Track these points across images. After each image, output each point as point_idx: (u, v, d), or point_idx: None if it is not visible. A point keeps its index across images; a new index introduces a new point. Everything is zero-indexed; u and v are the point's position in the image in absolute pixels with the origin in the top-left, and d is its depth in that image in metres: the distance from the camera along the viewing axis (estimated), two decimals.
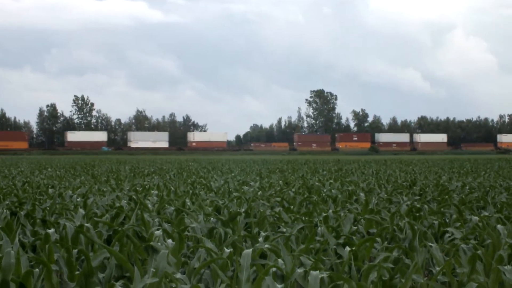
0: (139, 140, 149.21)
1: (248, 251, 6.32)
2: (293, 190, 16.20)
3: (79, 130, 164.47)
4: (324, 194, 14.76)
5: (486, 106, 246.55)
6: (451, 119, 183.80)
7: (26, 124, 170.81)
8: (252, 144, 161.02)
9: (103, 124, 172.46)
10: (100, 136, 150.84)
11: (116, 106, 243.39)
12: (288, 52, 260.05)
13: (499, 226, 8.45)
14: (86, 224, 8.02)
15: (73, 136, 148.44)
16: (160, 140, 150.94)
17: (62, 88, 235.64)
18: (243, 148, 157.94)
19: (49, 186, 18.68)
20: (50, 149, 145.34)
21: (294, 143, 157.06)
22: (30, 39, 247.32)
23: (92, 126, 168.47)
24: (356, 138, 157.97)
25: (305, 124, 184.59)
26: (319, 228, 8.64)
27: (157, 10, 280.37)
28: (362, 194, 14.31)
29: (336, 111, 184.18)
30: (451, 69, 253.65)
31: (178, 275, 6.35)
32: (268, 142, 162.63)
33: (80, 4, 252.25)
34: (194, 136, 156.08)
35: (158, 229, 8.31)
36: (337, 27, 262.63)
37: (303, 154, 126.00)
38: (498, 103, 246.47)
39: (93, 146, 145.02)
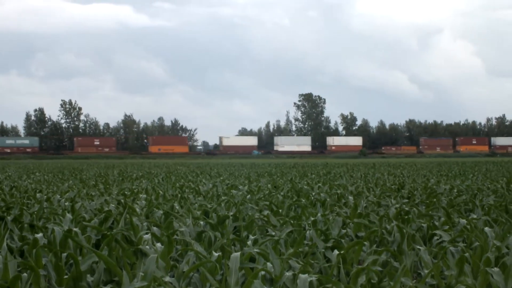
0: (285, 144, 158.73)
1: (236, 255, 6.32)
2: (282, 193, 16.21)
3: (67, 134, 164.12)
4: (312, 198, 14.78)
5: (474, 109, 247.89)
6: (439, 122, 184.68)
7: (14, 129, 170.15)
8: (383, 148, 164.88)
9: (92, 128, 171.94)
10: (251, 141, 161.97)
11: (104, 110, 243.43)
12: (275, 56, 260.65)
13: (486, 229, 8.49)
14: (74, 229, 8.00)
15: (228, 141, 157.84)
16: (304, 144, 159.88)
17: (49, 92, 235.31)
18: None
19: (37, 191, 18.60)
20: (210, 154, 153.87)
21: (420, 147, 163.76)
22: (15, 43, 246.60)
23: (80, 130, 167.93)
24: (475, 142, 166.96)
25: (294, 128, 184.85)
26: (308, 232, 8.65)
27: (142, 14, 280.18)
28: (350, 198, 14.34)
29: (325, 114, 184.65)
30: (438, 73, 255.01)
31: (167, 279, 6.34)
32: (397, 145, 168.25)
33: (65, 8, 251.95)
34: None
35: (147, 233, 8.30)
36: (323, 30, 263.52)
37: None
38: (485, 106, 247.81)
39: (245, 150, 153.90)
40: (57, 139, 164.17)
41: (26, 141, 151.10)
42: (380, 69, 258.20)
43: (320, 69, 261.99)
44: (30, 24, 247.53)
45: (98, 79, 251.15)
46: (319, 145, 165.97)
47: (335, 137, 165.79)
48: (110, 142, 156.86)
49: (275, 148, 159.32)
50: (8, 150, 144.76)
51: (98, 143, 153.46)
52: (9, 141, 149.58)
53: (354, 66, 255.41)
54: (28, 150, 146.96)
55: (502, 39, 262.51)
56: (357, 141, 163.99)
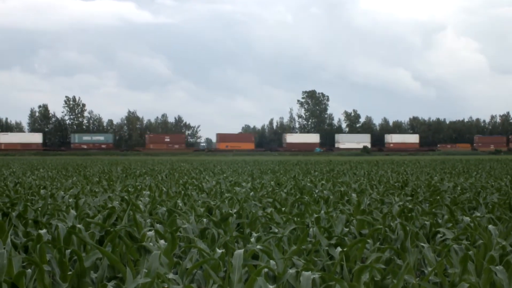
0: (346, 141, 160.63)
1: (240, 252, 6.32)
2: (285, 191, 16.21)
3: (71, 131, 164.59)
4: (316, 195, 14.78)
5: (477, 107, 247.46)
6: (442, 119, 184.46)
7: (18, 125, 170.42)
8: (438, 146, 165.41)
9: (95, 125, 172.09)
10: (314, 138, 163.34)
11: (107, 107, 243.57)
12: (277, 53, 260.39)
13: (490, 227, 8.48)
14: (78, 225, 8.02)
15: (291, 138, 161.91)
16: (364, 141, 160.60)
17: (52, 89, 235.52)
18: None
19: (41, 187, 18.63)
20: (269, 150, 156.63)
21: (474, 144, 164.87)
22: (17, 40, 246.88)
23: (84, 127, 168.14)
24: None
25: (297, 125, 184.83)
26: (311, 229, 8.65)
27: (145, 10, 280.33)
28: (354, 195, 14.34)
29: (328, 111, 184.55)
30: (442, 70, 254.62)
31: (171, 276, 6.35)
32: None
33: (67, 5, 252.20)
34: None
35: (150, 230, 8.31)
36: (326, 27, 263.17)
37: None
38: (489, 103, 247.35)
39: (308, 147, 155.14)
40: (61, 135, 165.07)
41: (101, 138, 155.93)
42: (383, 66, 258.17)
43: (322, 66, 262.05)
44: (33, 21, 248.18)
45: (101, 76, 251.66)
46: (328, 143, 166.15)
47: (393, 135, 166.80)
48: (180, 139, 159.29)
49: (336, 145, 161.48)
50: (85, 146, 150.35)
51: (168, 139, 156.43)
52: (86, 138, 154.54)
53: (356, 63, 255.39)
54: (103, 146, 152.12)
55: (506, 36, 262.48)
56: (414, 138, 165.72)
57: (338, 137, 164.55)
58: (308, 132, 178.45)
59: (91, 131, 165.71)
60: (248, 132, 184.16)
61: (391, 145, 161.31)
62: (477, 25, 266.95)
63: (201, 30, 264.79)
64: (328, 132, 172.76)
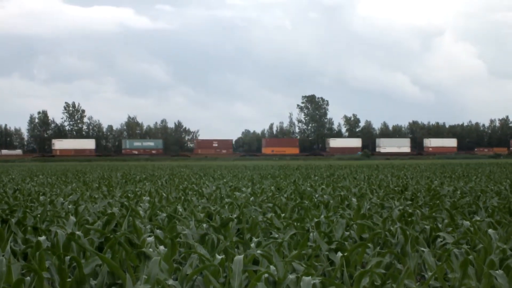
0: (387, 146, 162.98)
1: (240, 257, 6.31)
2: (285, 195, 16.20)
3: (71, 137, 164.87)
4: (316, 200, 14.77)
5: (476, 111, 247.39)
6: (442, 123, 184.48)
7: (17, 131, 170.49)
8: (476, 149, 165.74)
9: (95, 131, 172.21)
10: (356, 142, 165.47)
11: (106, 113, 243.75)
12: (276, 58, 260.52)
13: (490, 231, 8.47)
14: (78, 232, 8.00)
15: (334, 143, 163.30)
16: (404, 145, 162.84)
17: (51, 95, 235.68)
18: None
19: (40, 193, 18.61)
20: (313, 154, 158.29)
21: (511, 148, 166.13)
22: (16, 46, 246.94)
23: (84, 133, 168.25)
24: None
25: (297, 130, 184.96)
26: (311, 234, 8.64)
27: (144, 16, 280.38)
28: (354, 199, 14.33)
29: (328, 116, 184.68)
30: (440, 74, 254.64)
31: (170, 282, 6.33)
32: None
33: (66, 11, 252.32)
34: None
35: (150, 236, 8.30)
36: (324, 32, 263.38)
37: None
38: (487, 108, 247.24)
39: (351, 151, 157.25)
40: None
41: (152, 143, 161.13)
42: (382, 71, 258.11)
43: (320, 71, 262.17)
44: (32, 27, 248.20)
45: (100, 81, 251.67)
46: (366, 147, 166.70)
47: (432, 139, 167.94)
48: (227, 144, 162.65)
49: (377, 149, 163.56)
50: (136, 152, 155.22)
51: (216, 145, 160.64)
52: (137, 143, 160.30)
53: (355, 68, 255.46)
54: (153, 151, 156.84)
55: (504, 41, 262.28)
56: (452, 142, 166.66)
57: (379, 141, 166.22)
58: (308, 136, 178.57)
59: (91, 137, 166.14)
60: (248, 136, 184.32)
61: (430, 149, 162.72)
62: (476, 30, 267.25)
63: (200, 35, 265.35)
64: (369, 137, 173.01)
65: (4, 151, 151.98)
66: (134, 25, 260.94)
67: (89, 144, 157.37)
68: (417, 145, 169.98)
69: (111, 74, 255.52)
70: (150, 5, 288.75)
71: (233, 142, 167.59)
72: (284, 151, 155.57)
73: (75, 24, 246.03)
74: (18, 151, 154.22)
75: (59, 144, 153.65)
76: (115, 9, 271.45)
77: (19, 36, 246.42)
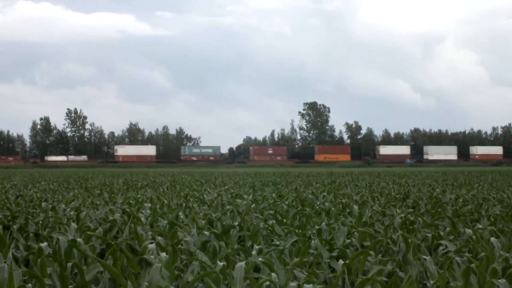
0: (434, 153, 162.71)
1: (241, 264, 6.31)
2: (287, 203, 16.19)
3: (73, 143, 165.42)
4: (317, 207, 14.75)
5: (477, 118, 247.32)
6: (444, 131, 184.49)
7: (20, 137, 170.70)
8: None
9: (96, 137, 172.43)
10: (405, 150, 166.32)
11: (107, 119, 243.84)
12: (277, 64, 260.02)
13: (492, 239, 8.46)
14: (79, 239, 8.00)
15: (384, 150, 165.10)
16: (451, 153, 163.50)
17: (53, 101, 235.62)
18: None
19: (42, 200, 18.62)
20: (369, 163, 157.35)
21: None
22: (18, 53, 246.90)
23: (86, 139, 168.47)
24: None
25: (298, 137, 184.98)
26: (313, 241, 8.63)
27: (144, 23, 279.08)
28: (355, 207, 14.31)
29: (329, 123, 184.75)
30: (442, 81, 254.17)
31: None
32: None
33: (66, 17, 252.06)
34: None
35: (151, 243, 8.29)
36: (325, 39, 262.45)
37: None
38: (489, 115, 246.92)
39: (400, 159, 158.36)
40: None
41: (210, 150, 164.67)
42: (383, 78, 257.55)
43: (321, 77, 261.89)
44: (33, 33, 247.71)
45: (101, 88, 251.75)
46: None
47: (478, 147, 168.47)
48: (282, 151, 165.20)
49: (425, 157, 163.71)
50: (194, 158, 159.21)
51: (271, 151, 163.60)
52: (195, 150, 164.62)
53: (356, 75, 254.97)
54: (211, 158, 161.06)
55: (505, 48, 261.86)
56: (498, 150, 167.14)
57: (426, 148, 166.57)
58: (309, 143, 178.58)
59: (93, 144, 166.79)
60: (249, 143, 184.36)
61: (476, 156, 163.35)
62: (477, 37, 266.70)
63: (200, 42, 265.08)
64: (330, 143, 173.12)
65: (71, 157, 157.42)
66: (135, 32, 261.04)
67: (150, 150, 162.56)
68: (418, 152, 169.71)
69: (112, 81, 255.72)
70: (151, 12, 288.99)
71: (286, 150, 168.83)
72: (337, 158, 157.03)
73: (76, 31, 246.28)
74: (84, 157, 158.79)
75: (122, 150, 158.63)
76: (116, 15, 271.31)
77: (21, 42, 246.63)
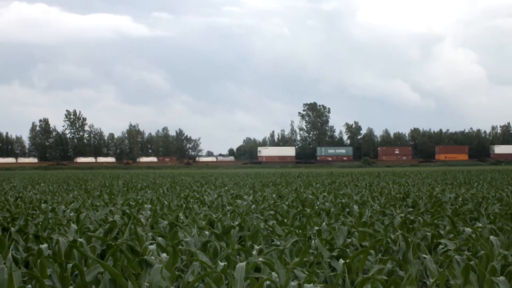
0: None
1: (242, 265, 6.31)
2: (287, 203, 16.20)
3: (72, 145, 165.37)
4: (317, 207, 14.76)
5: (476, 118, 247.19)
6: (444, 130, 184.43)
7: (18, 139, 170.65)
8: None
9: (96, 139, 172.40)
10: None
11: (106, 121, 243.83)
12: (276, 65, 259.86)
13: (492, 237, 8.47)
14: (79, 239, 8.00)
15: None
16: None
17: (51, 103, 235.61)
18: None
19: (42, 201, 18.62)
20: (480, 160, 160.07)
21: None
22: (16, 54, 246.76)
23: (85, 141, 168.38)
24: None
25: (298, 137, 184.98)
26: (313, 241, 8.64)
27: (141, 24, 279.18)
28: (355, 207, 14.32)
29: (329, 124, 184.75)
30: (441, 81, 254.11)
31: None
32: None
33: (63, 18, 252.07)
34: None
35: (152, 243, 8.30)
36: (324, 40, 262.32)
37: None
38: (488, 114, 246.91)
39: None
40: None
41: (343, 150, 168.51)
42: (382, 78, 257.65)
43: (320, 78, 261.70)
44: (30, 34, 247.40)
45: (99, 90, 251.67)
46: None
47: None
48: (407, 151, 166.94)
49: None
50: (330, 159, 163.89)
51: (397, 152, 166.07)
52: (330, 151, 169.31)
53: (355, 75, 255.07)
54: (345, 158, 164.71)
55: (504, 47, 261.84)
56: None
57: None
58: (309, 144, 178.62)
59: (92, 145, 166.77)
60: (249, 144, 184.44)
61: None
62: (475, 37, 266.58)
63: (198, 43, 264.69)
64: (329, 144, 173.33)
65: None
66: (131, 33, 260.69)
67: (291, 151, 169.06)
68: (419, 152, 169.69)
69: (110, 82, 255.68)
70: (148, 13, 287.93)
71: (411, 149, 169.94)
72: (456, 157, 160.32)
73: (73, 32, 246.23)
74: (231, 158, 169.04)
75: (265, 152, 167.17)
76: (112, 16, 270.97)
77: (18, 43, 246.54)
